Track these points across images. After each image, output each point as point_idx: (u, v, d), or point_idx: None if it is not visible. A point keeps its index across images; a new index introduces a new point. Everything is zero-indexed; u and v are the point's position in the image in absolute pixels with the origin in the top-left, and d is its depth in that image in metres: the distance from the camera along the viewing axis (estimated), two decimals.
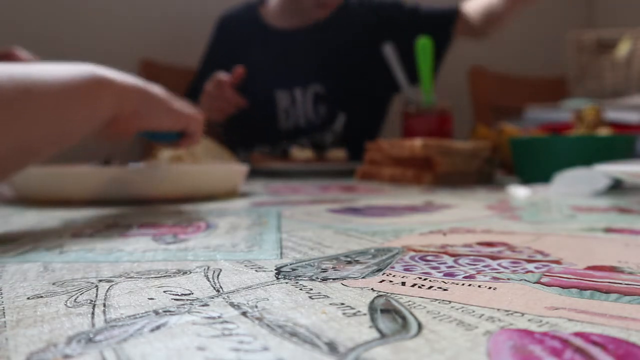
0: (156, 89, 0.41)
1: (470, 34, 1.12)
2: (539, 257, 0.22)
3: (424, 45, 0.83)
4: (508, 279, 0.18)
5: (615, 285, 0.17)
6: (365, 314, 0.14)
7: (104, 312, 0.15)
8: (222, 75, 0.96)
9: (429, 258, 0.22)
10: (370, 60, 1.06)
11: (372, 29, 1.08)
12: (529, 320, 0.14)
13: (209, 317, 0.14)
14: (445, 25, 1.09)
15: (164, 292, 0.17)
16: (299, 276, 0.19)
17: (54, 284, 0.18)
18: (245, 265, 0.21)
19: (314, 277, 0.19)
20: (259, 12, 1.12)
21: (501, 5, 1.02)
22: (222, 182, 0.51)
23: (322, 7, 1.06)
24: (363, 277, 0.19)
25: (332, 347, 0.12)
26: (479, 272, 0.19)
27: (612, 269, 0.20)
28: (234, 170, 0.54)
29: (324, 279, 0.18)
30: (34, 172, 0.44)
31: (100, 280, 0.18)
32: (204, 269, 0.20)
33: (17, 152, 0.31)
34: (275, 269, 0.20)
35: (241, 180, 0.55)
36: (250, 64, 1.01)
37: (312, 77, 1.07)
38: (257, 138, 1.08)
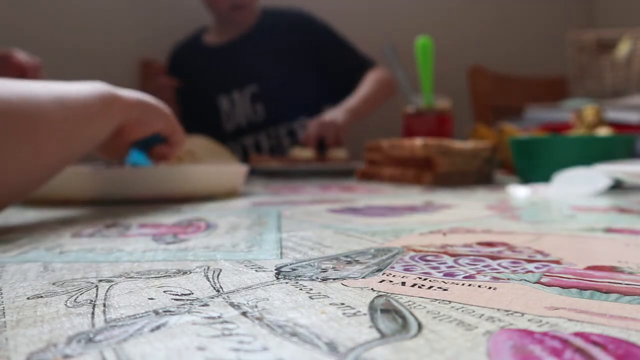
0: (149, 97, 0.46)
1: None
2: (539, 257, 0.22)
3: (423, 45, 0.83)
4: (508, 279, 0.18)
5: (615, 285, 0.17)
6: (365, 314, 0.14)
7: (104, 312, 0.15)
8: (156, 65, 1.16)
9: (429, 258, 0.22)
10: (303, 64, 1.22)
11: (293, 44, 1.22)
12: (529, 320, 0.14)
13: (209, 317, 0.14)
14: (354, 71, 1.23)
15: (164, 292, 0.17)
16: (299, 276, 0.19)
17: (54, 284, 0.18)
18: (245, 265, 0.21)
19: (314, 277, 0.19)
20: (201, 35, 1.29)
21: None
22: (222, 183, 0.51)
23: (237, 8, 1.18)
24: (363, 277, 0.19)
25: (332, 347, 0.12)
26: (479, 272, 0.19)
27: (612, 269, 0.20)
28: (233, 170, 0.53)
29: (324, 279, 0.18)
30: None
31: (100, 280, 0.18)
32: (204, 269, 0.20)
33: (28, 177, 0.33)
34: (275, 269, 0.20)
35: (241, 180, 0.55)
36: (195, 80, 1.23)
37: (247, 79, 1.20)
38: None
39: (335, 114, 1.07)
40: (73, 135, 0.35)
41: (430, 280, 0.18)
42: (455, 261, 0.21)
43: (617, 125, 0.76)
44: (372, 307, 0.15)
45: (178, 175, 0.48)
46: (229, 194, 0.53)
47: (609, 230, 0.29)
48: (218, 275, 0.19)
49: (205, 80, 1.22)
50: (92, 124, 0.37)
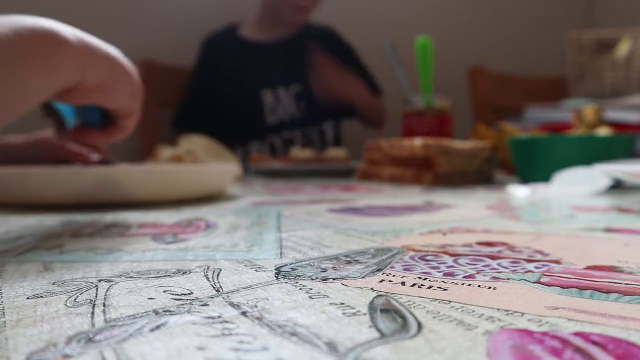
0: (122, 56, 0.35)
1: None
2: (539, 257, 0.22)
3: (423, 45, 0.83)
4: (508, 279, 0.18)
5: (615, 285, 0.17)
6: (365, 314, 0.14)
7: (104, 312, 0.15)
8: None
9: (429, 258, 0.22)
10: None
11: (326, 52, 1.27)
12: (529, 320, 0.14)
13: (209, 317, 0.14)
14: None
15: (164, 292, 0.17)
16: (299, 276, 0.19)
17: (54, 284, 0.18)
18: (245, 265, 0.21)
19: (314, 277, 0.19)
20: (238, 31, 1.31)
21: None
22: (206, 184, 0.48)
23: (300, 12, 1.21)
24: (363, 277, 0.19)
25: (332, 347, 0.12)
26: (479, 272, 0.19)
27: (612, 269, 0.20)
28: (219, 171, 0.50)
29: (324, 279, 0.18)
30: (14, 172, 0.40)
31: (100, 280, 0.18)
32: (204, 269, 0.20)
33: None
34: (275, 269, 0.20)
35: (229, 181, 0.51)
36: (237, 73, 1.25)
37: (293, 78, 1.25)
38: (246, 132, 1.25)
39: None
40: None
41: (430, 280, 0.18)
42: (455, 261, 0.21)
43: (617, 125, 0.76)
44: (372, 307, 0.15)
45: (159, 177, 0.44)
46: (216, 197, 0.50)
47: (609, 230, 0.29)
48: (218, 275, 0.19)
49: (249, 74, 1.26)
50: (20, 77, 0.26)
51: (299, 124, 1.26)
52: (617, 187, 0.54)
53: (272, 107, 1.26)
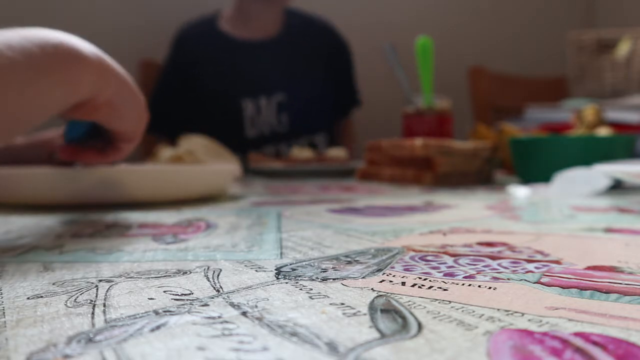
0: (132, 80, 0.35)
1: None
2: (539, 257, 0.22)
3: (423, 45, 0.83)
4: (508, 279, 0.18)
5: (615, 285, 0.17)
6: (365, 314, 0.14)
7: (104, 312, 0.15)
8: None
9: (429, 258, 0.22)
10: (323, 75, 1.17)
11: (318, 52, 1.18)
12: (529, 320, 0.14)
13: (209, 317, 0.14)
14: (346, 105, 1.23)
15: (164, 292, 0.17)
16: (299, 276, 0.19)
17: (54, 284, 0.18)
18: (245, 265, 0.21)
19: (314, 277, 0.19)
20: (217, 24, 1.14)
21: None
22: (206, 184, 0.47)
23: (268, 1, 1.09)
24: (363, 277, 0.19)
25: (332, 347, 0.12)
26: (479, 272, 0.19)
27: (612, 269, 0.20)
28: (219, 171, 0.49)
29: (324, 279, 0.18)
30: (14, 173, 0.40)
31: (100, 280, 0.18)
32: (204, 269, 0.20)
33: None
34: (275, 269, 0.20)
35: (229, 181, 0.51)
36: (215, 74, 1.09)
37: (276, 86, 1.11)
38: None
39: None
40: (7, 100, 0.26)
41: (430, 280, 0.18)
42: (455, 261, 0.21)
43: (617, 125, 0.76)
44: (372, 307, 0.15)
45: (157, 177, 0.43)
46: (216, 197, 0.50)
47: (609, 230, 0.29)
48: (218, 275, 0.19)
49: (227, 79, 1.10)
50: (41, 81, 0.27)
51: (281, 137, 1.12)
52: (617, 187, 0.54)
53: (252, 119, 1.10)
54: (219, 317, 0.14)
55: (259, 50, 1.12)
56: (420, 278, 0.18)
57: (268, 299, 0.16)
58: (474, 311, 0.15)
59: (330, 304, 0.15)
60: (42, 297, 0.16)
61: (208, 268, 0.20)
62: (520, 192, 0.52)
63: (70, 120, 0.36)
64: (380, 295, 0.16)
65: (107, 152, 0.38)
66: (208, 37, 1.13)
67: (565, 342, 0.12)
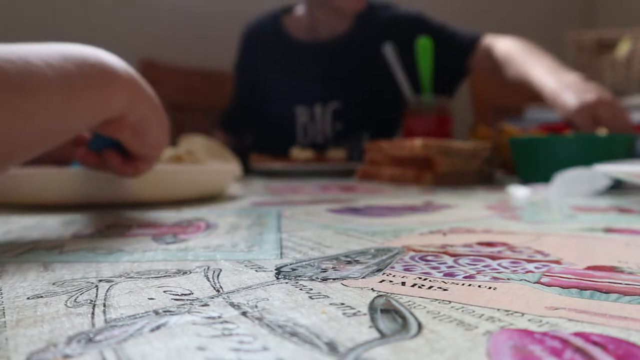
0: (159, 102, 0.36)
1: (491, 69, 0.98)
2: (539, 257, 0.22)
3: (424, 45, 0.83)
4: (508, 279, 0.18)
5: (615, 285, 0.17)
6: (365, 314, 0.14)
7: (104, 312, 0.15)
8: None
9: (429, 258, 0.22)
10: (388, 77, 0.95)
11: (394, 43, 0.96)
12: (529, 320, 0.14)
13: (209, 317, 0.14)
14: (463, 53, 1.00)
15: (164, 292, 0.17)
16: (299, 276, 0.19)
17: (54, 284, 0.18)
18: (245, 265, 0.21)
19: (314, 277, 0.19)
20: (282, 21, 1.08)
21: (512, 74, 0.89)
22: (206, 184, 0.47)
23: (340, 13, 1.01)
24: (363, 277, 0.19)
25: (332, 347, 0.12)
26: (479, 272, 0.19)
27: (612, 269, 0.20)
28: (219, 171, 0.49)
29: (324, 279, 0.18)
30: (14, 173, 0.40)
31: (100, 280, 0.18)
32: (204, 269, 0.20)
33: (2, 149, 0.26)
34: (275, 269, 0.20)
35: (229, 181, 0.51)
36: (273, 76, 1.04)
37: (333, 94, 1.03)
38: (272, 151, 1.03)
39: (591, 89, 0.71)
40: (48, 113, 0.27)
41: (430, 280, 0.18)
42: (455, 261, 0.21)
43: None
44: (372, 307, 0.15)
45: (156, 177, 0.43)
46: (215, 197, 0.50)
47: (609, 230, 0.29)
48: (218, 275, 0.19)
49: (284, 83, 1.05)
50: (75, 98, 0.29)
51: (330, 142, 1.04)
52: (617, 187, 0.54)
53: (305, 126, 1.04)
54: (219, 317, 0.14)
55: (323, 52, 1.05)
56: (420, 278, 0.18)
57: (268, 299, 0.16)
58: (474, 311, 0.15)
59: (330, 304, 0.15)
60: (42, 297, 0.16)
61: (208, 268, 0.20)
62: (520, 192, 0.52)
63: (96, 133, 0.37)
64: (380, 295, 0.16)
65: (125, 167, 0.38)
66: (271, 37, 1.08)
67: (565, 342, 0.12)
